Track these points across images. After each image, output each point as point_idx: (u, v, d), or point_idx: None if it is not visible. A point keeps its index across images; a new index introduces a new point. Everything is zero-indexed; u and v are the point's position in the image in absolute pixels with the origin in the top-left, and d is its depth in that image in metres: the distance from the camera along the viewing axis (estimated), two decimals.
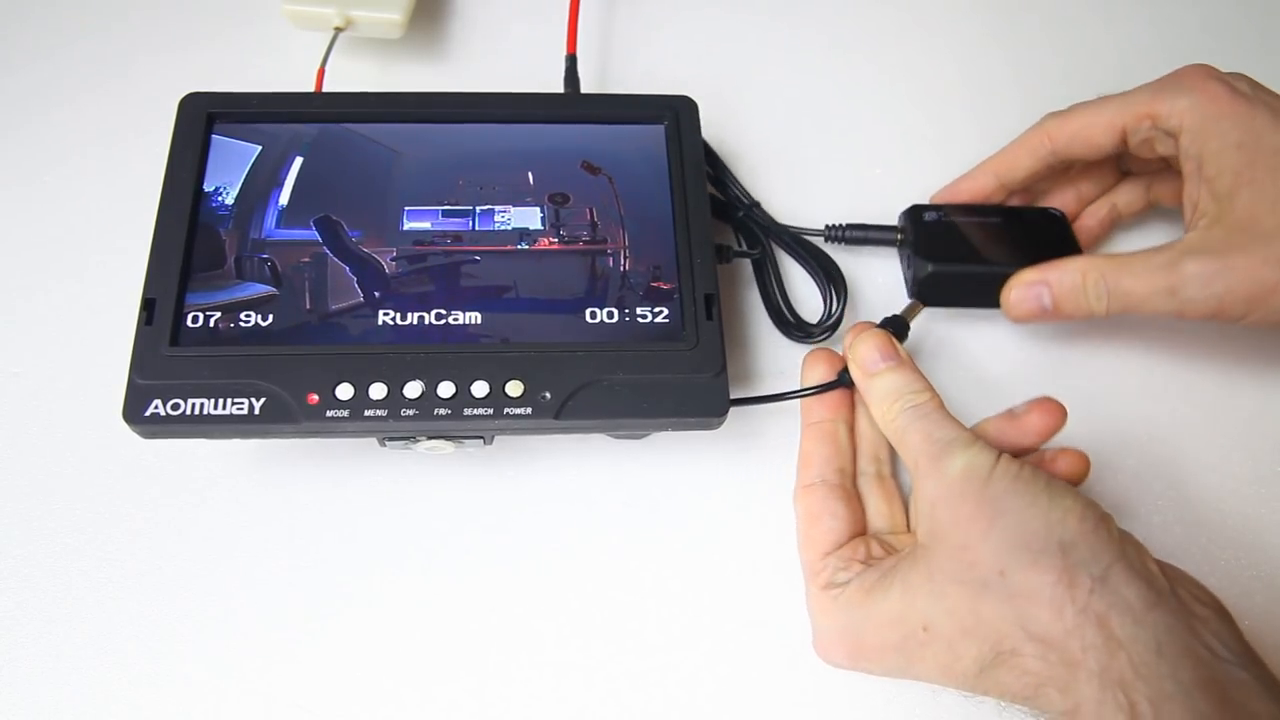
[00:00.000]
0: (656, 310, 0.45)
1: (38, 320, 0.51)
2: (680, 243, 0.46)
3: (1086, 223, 0.54)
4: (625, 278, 0.46)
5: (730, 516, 0.47)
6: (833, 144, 0.58)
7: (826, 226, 0.53)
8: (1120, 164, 0.54)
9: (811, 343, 0.51)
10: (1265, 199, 0.44)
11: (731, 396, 0.43)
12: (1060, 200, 0.54)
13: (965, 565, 0.38)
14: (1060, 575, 0.36)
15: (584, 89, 0.56)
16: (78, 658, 0.43)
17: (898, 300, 0.52)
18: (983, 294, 0.50)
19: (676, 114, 0.50)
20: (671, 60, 0.62)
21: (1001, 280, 0.48)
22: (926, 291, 0.50)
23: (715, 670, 0.44)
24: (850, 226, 0.53)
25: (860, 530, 0.44)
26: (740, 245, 0.54)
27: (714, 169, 0.55)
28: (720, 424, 0.43)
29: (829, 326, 0.51)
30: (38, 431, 0.48)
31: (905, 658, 0.39)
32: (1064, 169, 0.53)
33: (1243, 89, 0.46)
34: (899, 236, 0.52)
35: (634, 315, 0.45)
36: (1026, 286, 0.48)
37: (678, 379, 0.43)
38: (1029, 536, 0.37)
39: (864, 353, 0.44)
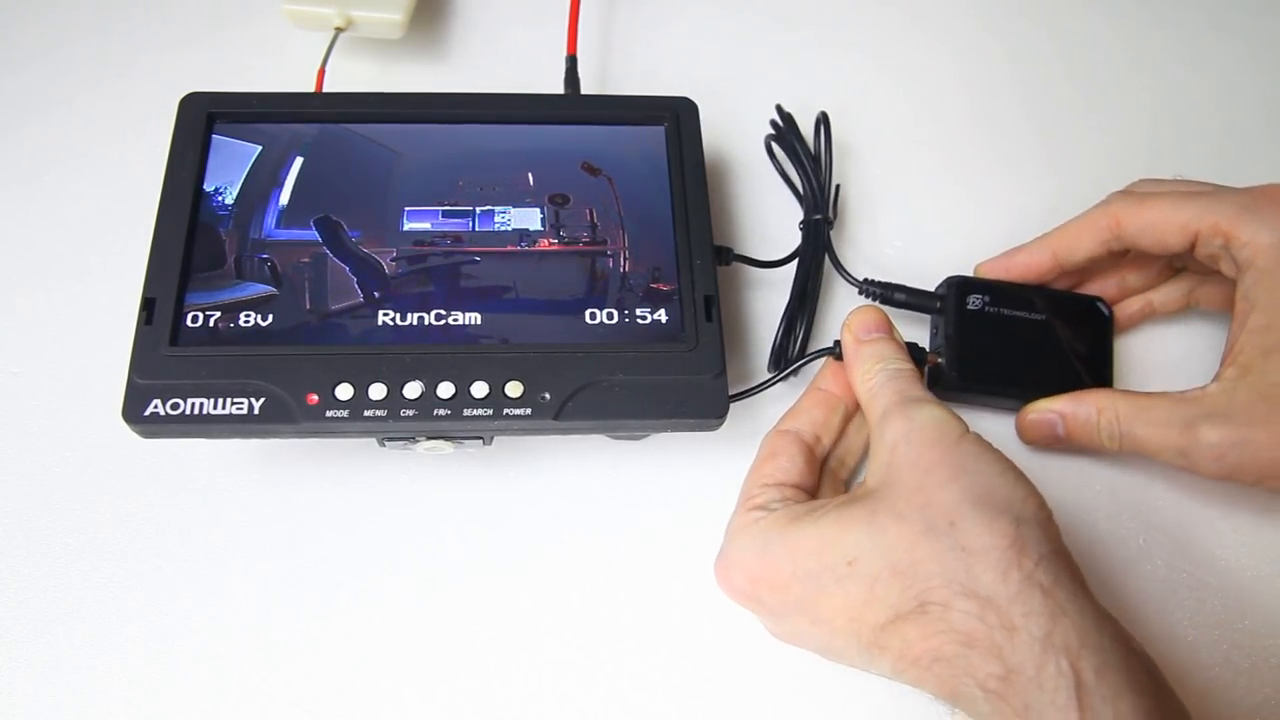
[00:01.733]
0: (656, 311, 0.45)
1: (38, 320, 0.51)
2: (680, 244, 0.46)
3: (1118, 315, 0.51)
4: (625, 279, 0.46)
5: (729, 518, 0.47)
6: (833, 144, 0.58)
7: (864, 280, 0.51)
8: (1174, 260, 0.51)
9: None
10: None
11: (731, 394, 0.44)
12: (1101, 286, 0.52)
13: (915, 506, 0.37)
14: (1013, 541, 0.35)
15: (584, 90, 0.56)
16: (78, 658, 0.43)
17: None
18: (998, 405, 0.50)
19: (677, 115, 0.50)
20: (672, 61, 0.62)
21: (1013, 402, 0.49)
22: (944, 389, 0.49)
23: (715, 670, 0.44)
24: (888, 286, 0.51)
25: (807, 488, 0.44)
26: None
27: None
28: (720, 425, 0.43)
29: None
30: (38, 431, 0.48)
31: (814, 590, 0.38)
32: (1121, 253, 0.50)
33: None
34: (937, 305, 0.50)
35: (634, 316, 0.45)
36: (1041, 414, 0.47)
37: (677, 380, 0.43)
38: (989, 497, 0.37)
39: (859, 321, 0.45)
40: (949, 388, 0.48)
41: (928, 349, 0.49)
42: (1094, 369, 0.49)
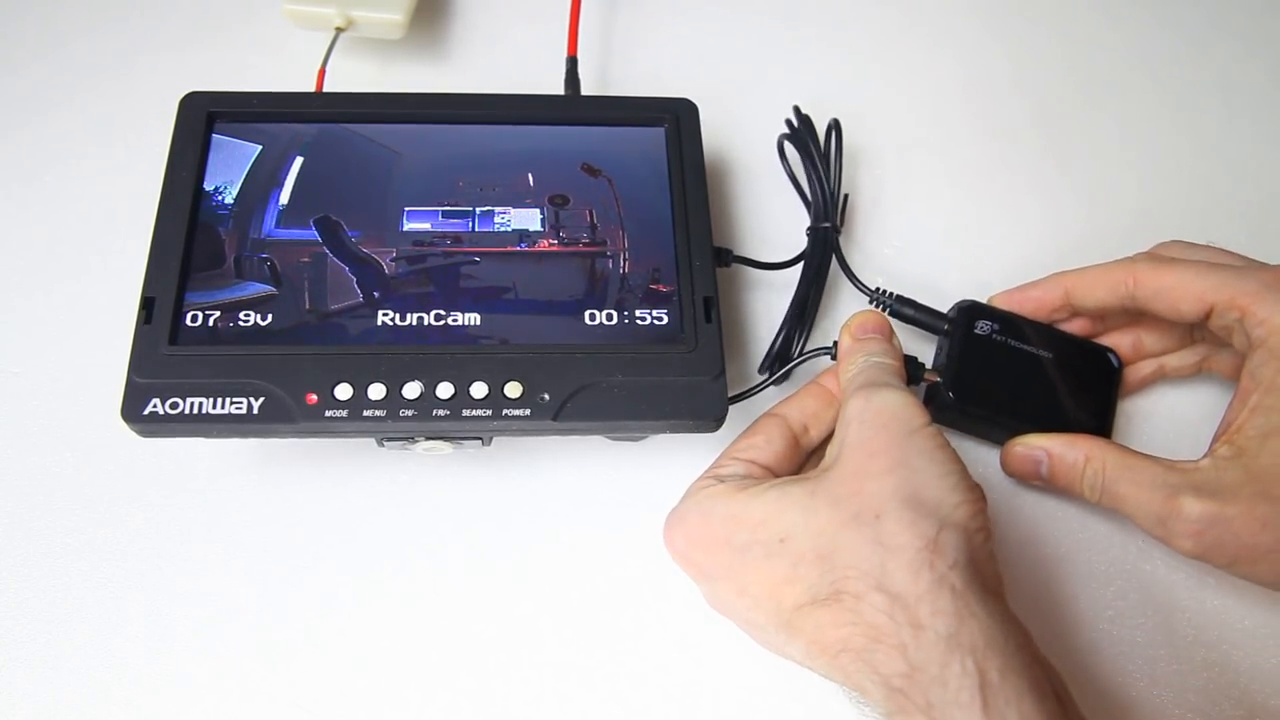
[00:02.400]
0: (655, 313, 0.45)
1: (38, 320, 0.51)
2: (680, 245, 0.46)
3: (1127, 377, 0.51)
4: (624, 280, 0.46)
5: None
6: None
7: (877, 289, 0.51)
8: (1193, 330, 0.51)
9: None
10: None
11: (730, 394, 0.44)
12: (1117, 342, 0.51)
13: (850, 493, 0.37)
14: (930, 543, 0.35)
15: (584, 91, 0.56)
16: (78, 658, 0.43)
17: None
18: (990, 435, 0.50)
19: (677, 117, 0.50)
20: (672, 63, 0.62)
21: (1006, 433, 0.48)
22: (938, 407, 0.48)
23: (714, 670, 0.44)
24: (900, 299, 0.51)
25: (778, 471, 0.43)
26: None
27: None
28: (719, 427, 0.43)
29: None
30: (38, 431, 0.48)
31: (741, 560, 0.38)
32: (1137, 312, 0.49)
33: None
34: (945, 328, 0.50)
35: (633, 317, 0.45)
36: (1028, 449, 0.47)
37: (676, 382, 0.43)
38: (920, 496, 0.37)
39: (859, 322, 0.46)
40: (943, 407, 0.48)
41: (929, 367, 0.49)
42: (1093, 417, 0.49)
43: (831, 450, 0.40)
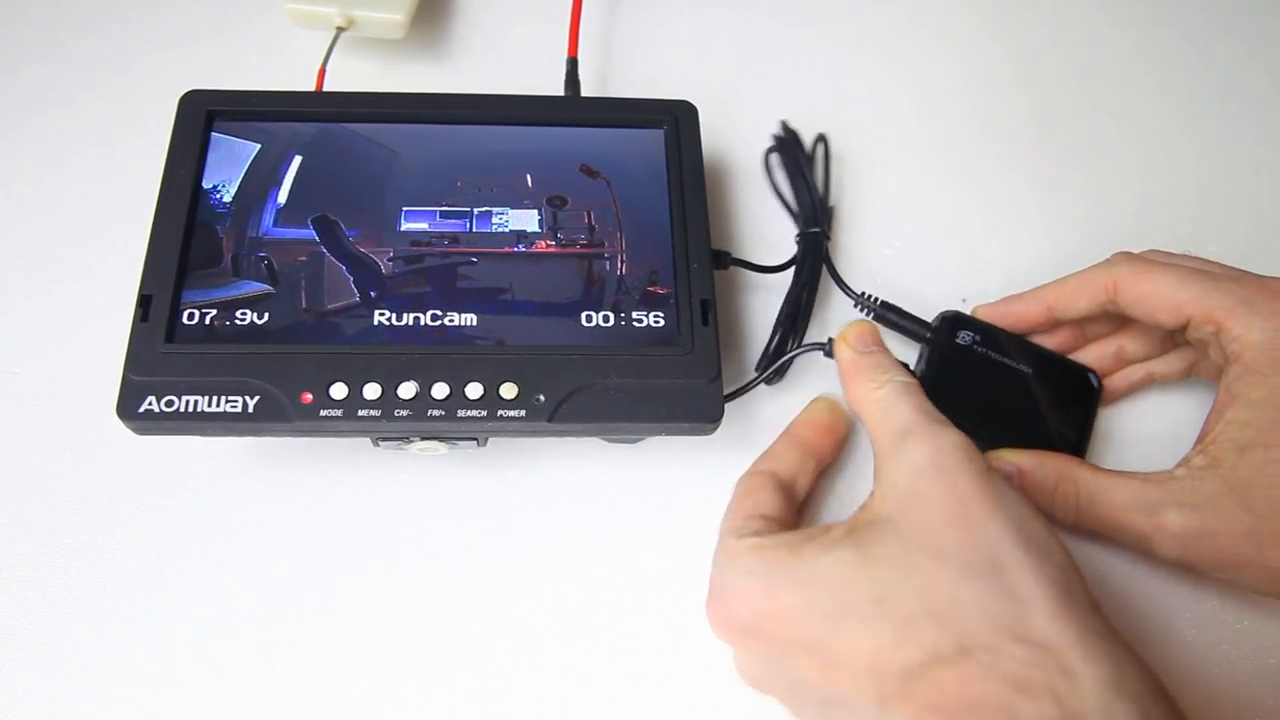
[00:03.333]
0: (652, 315, 0.45)
1: (37, 320, 0.51)
2: (677, 248, 0.46)
3: (1117, 383, 0.50)
4: (622, 282, 0.45)
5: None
6: (834, 146, 0.58)
7: (862, 294, 0.51)
8: (1175, 335, 0.50)
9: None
10: (1272, 470, 0.40)
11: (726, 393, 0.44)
12: (1100, 350, 0.50)
13: (952, 542, 0.35)
14: (1062, 589, 0.34)
15: (585, 92, 0.56)
16: (78, 658, 0.43)
17: None
18: None
19: (676, 119, 0.50)
20: (672, 64, 0.62)
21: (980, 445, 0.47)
22: None
23: (712, 671, 0.44)
24: (885, 305, 0.51)
25: (789, 527, 0.42)
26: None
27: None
28: (715, 429, 0.43)
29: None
30: (37, 431, 0.48)
31: (832, 629, 0.35)
32: (1120, 318, 0.49)
33: None
34: (927, 336, 0.50)
35: (630, 319, 0.44)
36: (1000, 464, 0.46)
37: (673, 384, 0.43)
38: (1030, 540, 0.35)
39: (856, 334, 0.45)
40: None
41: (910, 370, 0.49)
42: (1069, 436, 0.48)
43: (888, 496, 0.37)
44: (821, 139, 0.56)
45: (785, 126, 0.57)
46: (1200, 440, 0.44)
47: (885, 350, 0.45)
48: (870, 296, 0.51)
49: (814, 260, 0.52)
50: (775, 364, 0.49)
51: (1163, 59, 0.64)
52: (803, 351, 0.48)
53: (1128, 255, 0.48)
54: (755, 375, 0.49)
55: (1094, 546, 0.47)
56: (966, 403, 0.47)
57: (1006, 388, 0.48)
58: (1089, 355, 0.51)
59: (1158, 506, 0.42)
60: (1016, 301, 0.50)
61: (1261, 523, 0.40)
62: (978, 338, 0.49)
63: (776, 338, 0.50)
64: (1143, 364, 0.50)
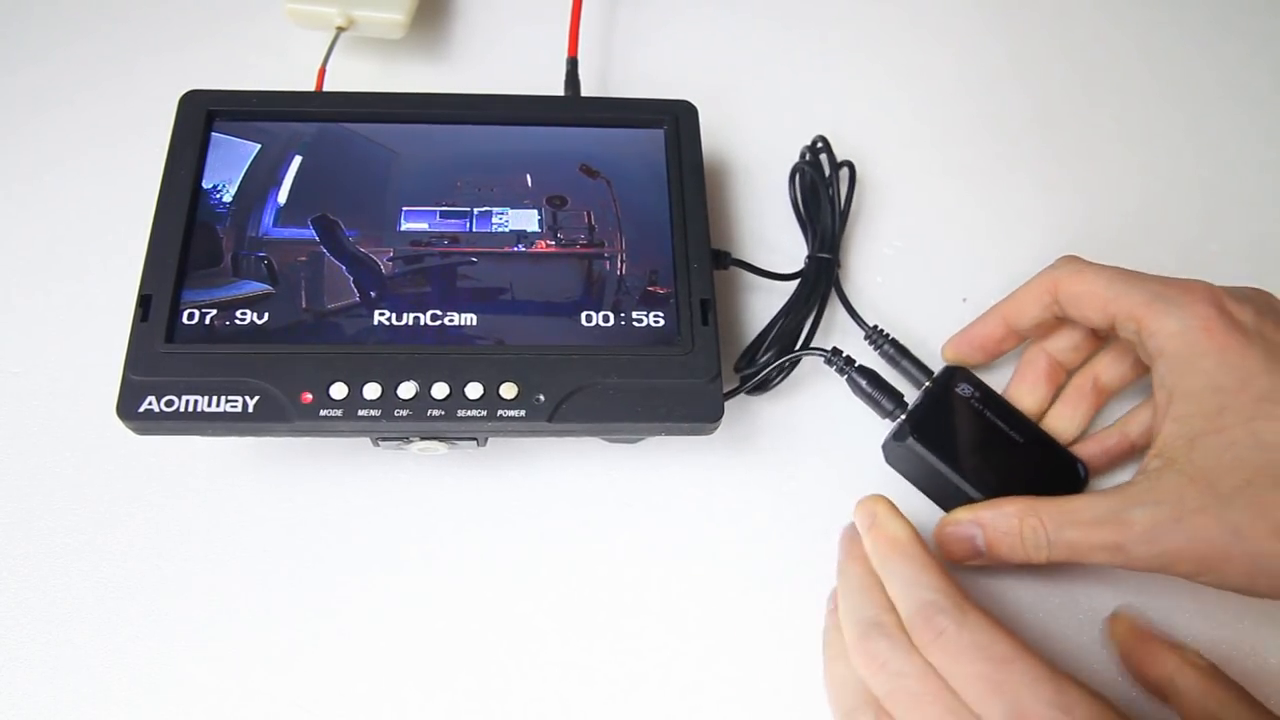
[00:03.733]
0: (652, 315, 0.45)
1: (38, 320, 0.51)
2: (677, 248, 0.46)
3: (1096, 458, 0.49)
4: (621, 282, 0.45)
5: (725, 520, 0.47)
6: (834, 146, 0.58)
7: (874, 327, 0.51)
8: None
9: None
10: (1230, 453, 0.40)
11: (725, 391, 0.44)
12: (1075, 393, 0.50)
13: None
14: None
15: (585, 92, 0.56)
16: (78, 658, 0.43)
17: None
18: (939, 492, 0.48)
19: (676, 119, 0.50)
20: (672, 64, 0.62)
21: (955, 493, 0.46)
22: (895, 438, 0.48)
23: (712, 671, 0.44)
24: (893, 342, 0.50)
25: None
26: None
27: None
28: (715, 429, 0.43)
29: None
30: (38, 431, 0.48)
31: None
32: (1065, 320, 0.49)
33: (1244, 319, 0.42)
34: (927, 383, 0.49)
35: (630, 319, 0.44)
36: (958, 526, 0.45)
37: (672, 384, 0.43)
38: None
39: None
40: (898, 437, 0.47)
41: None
42: (1036, 493, 0.44)
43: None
44: (849, 166, 0.55)
45: (824, 140, 0.56)
46: (1155, 444, 0.43)
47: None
48: (882, 332, 0.50)
49: (824, 286, 0.52)
50: (759, 375, 0.49)
51: (1164, 58, 0.64)
52: (788, 360, 0.48)
53: (1071, 258, 0.48)
54: (738, 382, 0.49)
55: None
56: (952, 446, 0.47)
57: (994, 447, 0.47)
58: (1068, 389, 0.50)
59: (1121, 512, 0.41)
60: (976, 324, 0.50)
61: (1230, 506, 0.39)
62: (977, 394, 0.49)
63: (769, 353, 0.49)
64: (1116, 427, 0.49)
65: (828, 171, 0.54)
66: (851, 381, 0.49)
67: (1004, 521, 0.43)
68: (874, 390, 0.48)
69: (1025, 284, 0.48)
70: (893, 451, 0.48)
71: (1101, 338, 0.50)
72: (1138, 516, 0.40)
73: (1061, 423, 0.49)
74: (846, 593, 0.41)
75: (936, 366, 0.50)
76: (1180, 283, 0.44)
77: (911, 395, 0.49)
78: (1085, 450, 0.49)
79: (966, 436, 0.47)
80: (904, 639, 0.38)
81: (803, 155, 0.55)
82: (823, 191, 0.54)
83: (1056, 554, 0.42)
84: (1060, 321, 0.49)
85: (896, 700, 0.37)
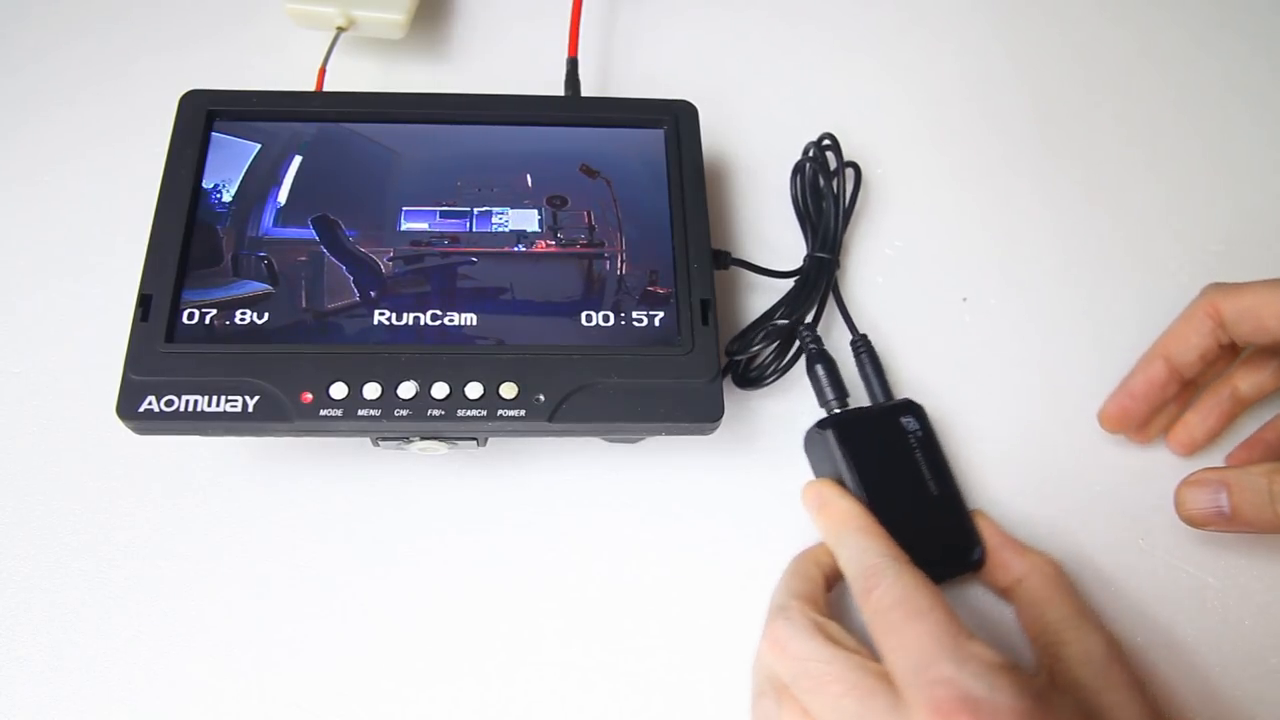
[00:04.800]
0: (652, 315, 0.45)
1: (37, 320, 0.51)
2: (678, 248, 0.46)
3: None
4: (622, 281, 0.45)
5: (725, 519, 0.47)
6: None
7: (862, 335, 0.50)
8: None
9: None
10: None
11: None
12: (1211, 401, 0.48)
13: None
14: None
15: (585, 92, 0.56)
16: (78, 658, 0.43)
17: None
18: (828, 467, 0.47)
19: (676, 118, 0.50)
20: (672, 64, 0.62)
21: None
22: (810, 438, 0.47)
23: (711, 671, 0.44)
24: (872, 358, 0.50)
25: None
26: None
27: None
28: (715, 428, 0.43)
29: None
30: (38, 431, 0.48)
31: None
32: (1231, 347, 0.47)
33: None
34: (883, 400, 0.49)
35: (630, 319, 0.44)
36: (1201, 484, 0.43)
37: (673, 383, 0.43)
38: None
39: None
40: (821, 425, 0.46)
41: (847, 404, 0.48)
42: (924, 562, 0.41)
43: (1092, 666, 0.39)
44: (855, 168, 0.55)
45: (831, 139, 0.55)
46: None
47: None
48: (868, 342, 0.50)
49: (822, 286, 0.52)
50: (748, 358, 0.49)
51: (1165, 58, 0.64)
52: (779, 339, 0.48)
53: (1216, 284, 0.47)
54: (725, 359, 0.48)
55: (1093, 553, 0.47)
56: (864, 457, 0.45)
57: (904, 484, 0.46)
58: (1201, 405, 0.49)
59: None
60: (1134, 375, 0.48)
61: None
62: (919, 433, 0.47)
63: (773, 345, 0.50)
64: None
65: (833, 169, 0.54)
66: (809, 359, 0.49)
67: (1251, 481, 0.42)
68: (825, 377, 0.48)
69: (1177, 320, 0.47)
70: (811, 439, 0.47)
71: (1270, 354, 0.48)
72: None
73: (1190, 431, 0.49)
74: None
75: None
76: None
77: (862, 404, 0.49)
78: (1236, 458, 0.48)
79: (884, 460, 0.46)
80: (807, 623, 0.39)
81: (806, 152, 0.55)
82: (825, 190, 0.54)
83: None
84: (1222, 354, 0.47)
85: (800, 685, 0.38)
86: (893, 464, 0.46)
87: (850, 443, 0.45)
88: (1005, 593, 0.44)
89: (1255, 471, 0.42)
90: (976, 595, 0.46)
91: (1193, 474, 0.44)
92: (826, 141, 0.55)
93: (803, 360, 0.50)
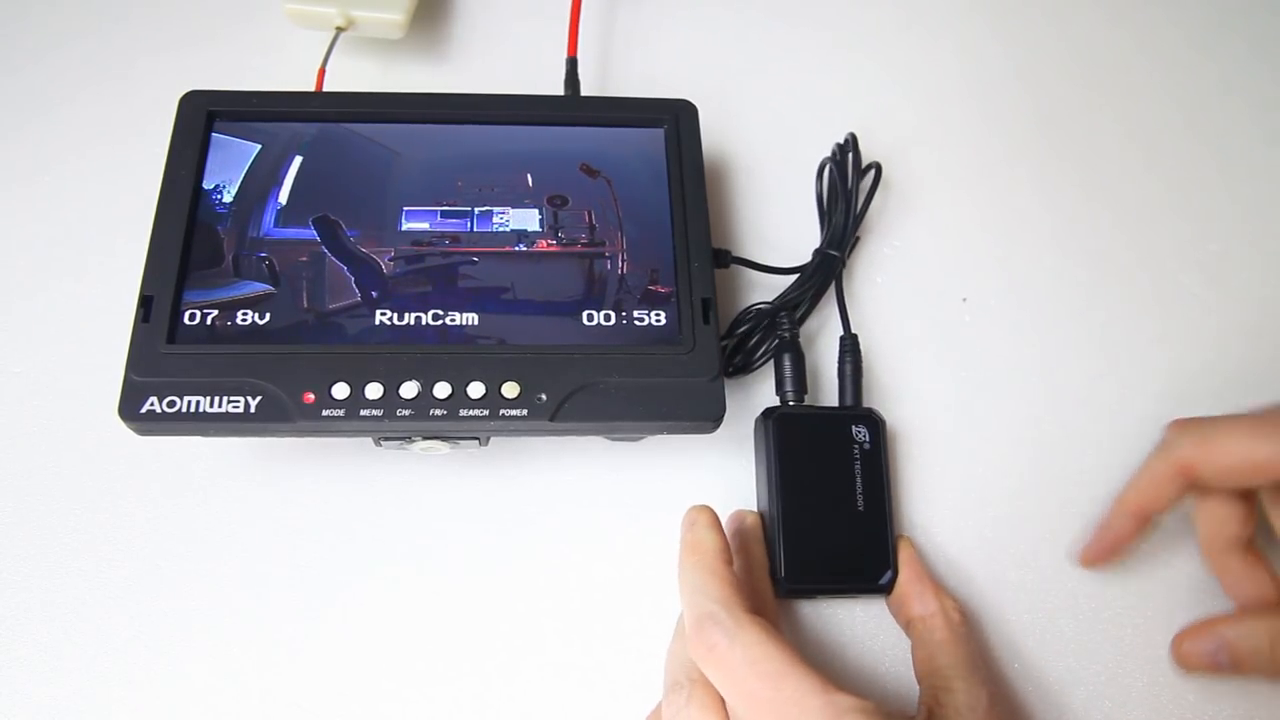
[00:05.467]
0: (654, 314, 0.45)
1: (37, 320, 0.51)
2: (678, 247, 0.46)
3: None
4: (623, 281, 0.45)
5: (726, 519, 0.47)
6: (833, 145, 0.58)
7: (853, 336, 0.50)
8: None
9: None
10: None
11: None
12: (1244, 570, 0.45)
13: None
14: None
15: (584, 92, 0.56)
16: (78, 658, 0.43)
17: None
18: (762, 482, 0.47)
19: (676, 118, 0.50)
20: (672, 63, 0.62)
21: (766, 496, 0.46)
22: (758, 424, 0.48)
23: None
24: (854, 363, 0.49)
25: None
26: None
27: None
28: (716, 427, 0.43)
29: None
30: (37, 431, 0.48)
31: None
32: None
33: None
34: (847, 404, 0.49)
35: (631, 318, 0.45)
36: (1199, 640, 0.44)
37: (674, 382, 0.43)
38: None
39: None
40: (765, 414, 0.47)
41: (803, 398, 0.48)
42: (829, 558, 0.45)
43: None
44: (876, 168, 0.55)
45: (853, 140, 0.55)
46: None
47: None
48: (855, 345, 0.50)
49: (823, 281, 0.52)
50: (737, 344, 0.49)
51: (1165, 58, 0.64)
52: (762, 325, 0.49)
53: (1179, 426, 0.45)
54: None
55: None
56: (797, 454, 0.46)
57: (831, 492, 0.46)
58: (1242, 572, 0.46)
59: None
60: (1103, 530, 0.47)
61: None
62: (866, 446, 0.47)
63: (755, 336, 0.50)
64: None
65: (850, 170, 0.54)
66: (779, 345, 0.49)
67: (1252, 641, 0.42)
68: (789, 367, 0.48)
69: (1143, 470, 0.45)
70: (757, 427, 0.48)
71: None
72: None
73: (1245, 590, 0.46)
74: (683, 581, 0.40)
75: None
76: None
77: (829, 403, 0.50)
78: (1184, 654, 0.45)
79: (816, 464, 0.46)
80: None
81: (834, 152, 0.55)
82: (840, 189, 0.54)
83: None
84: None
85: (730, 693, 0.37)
86: (825, 471, 0.46)
87: (786, 439, 0.46)
88: (906, 627, 0.44)
89: (1256, 630, 0.43)
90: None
91: (1185, 631, 0.45)
92: (849, 142, 0.55)
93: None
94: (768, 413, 0.47)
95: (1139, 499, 0.45)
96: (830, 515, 0.45)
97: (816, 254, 0.53)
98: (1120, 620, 0.46)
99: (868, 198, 0.55)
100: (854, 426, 0.47)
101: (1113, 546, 0.46)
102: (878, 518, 0.46)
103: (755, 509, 0.47)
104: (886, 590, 0.45)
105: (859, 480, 0.46)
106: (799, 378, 0.48)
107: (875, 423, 0.47)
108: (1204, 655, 0.44)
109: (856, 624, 0.46)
